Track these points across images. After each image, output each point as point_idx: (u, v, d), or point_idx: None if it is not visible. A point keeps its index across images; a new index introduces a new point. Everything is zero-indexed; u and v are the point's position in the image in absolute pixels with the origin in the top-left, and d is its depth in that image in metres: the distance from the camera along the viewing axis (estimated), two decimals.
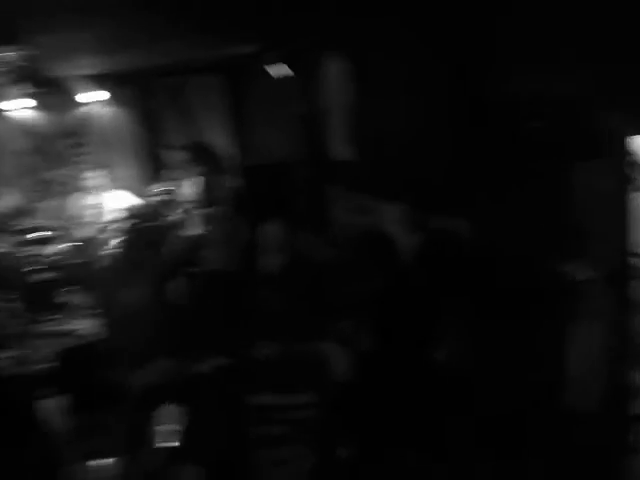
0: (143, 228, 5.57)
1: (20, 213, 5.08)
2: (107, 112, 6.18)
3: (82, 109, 6.07)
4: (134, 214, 5.02)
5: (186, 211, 5.22)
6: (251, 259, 3.82)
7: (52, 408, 4.00)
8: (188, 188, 5.32)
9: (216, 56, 5.63)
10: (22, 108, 5.57)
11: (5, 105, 5.36)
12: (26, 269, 5.23)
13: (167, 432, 3.47)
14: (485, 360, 2.62)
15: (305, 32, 4.62)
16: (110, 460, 3.27)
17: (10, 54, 4.00)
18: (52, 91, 4.86)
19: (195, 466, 1.74)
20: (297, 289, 2.45)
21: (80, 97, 5.71)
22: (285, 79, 5.10)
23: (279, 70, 5.09)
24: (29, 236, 5.41)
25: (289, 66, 5.03)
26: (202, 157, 5.79)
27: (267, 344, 1.96)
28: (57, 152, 6.11)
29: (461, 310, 2.84)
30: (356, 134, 4.49)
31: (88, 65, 5.26)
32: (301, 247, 3.28)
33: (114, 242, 4.68)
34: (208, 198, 5.20)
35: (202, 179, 5.33)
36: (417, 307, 2.75)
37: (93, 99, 5.82)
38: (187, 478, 1.74)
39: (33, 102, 5.49)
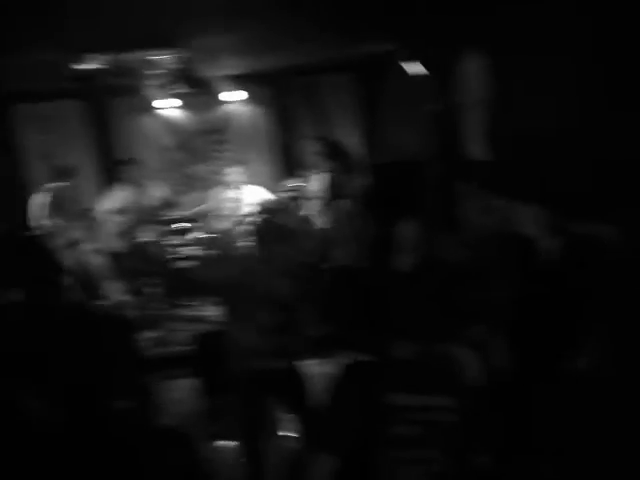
0: (275, 223, 5.76)
1: (167, 205, 5.45)
2: (246, 111, 6.48)
3: (224, 108, 6.43)
4: (267, 209, 5.19)
5: (317, 207, 5.31)
6: (381, 257, 3.80)
7: (187, 389, 4.26)
8: (319, 185, 5.41)
9: (350, 55, 5.68)
10: (170, 107, 5.99)
11: (157, 104, 5.78)
12: (169, 257, 5.63)
13: (289, 421, 3.56)
14: (629, 368, 2.43)
15: (442, 29, 4.52)
16: (233, 442, 3.40)
17: (167, 57, 4.33)
18: (199, 91, 5.16)
19: (330, 456, 1.75)
20: (430, 289, 2.39)
21: (222, 96, 6.01)
22: (419, 76, 5.01)
23: (414, 68, 5.02)
24: (173, 226, 5.82)
25: (424, 64, 4.94)
26: (334, 154, 5.86)
27: (402, 344, 1.92)
28: (200, 148, 6.54)
29: (605, 317, 2.65)
30: (493, 132, 4.32)
31: (231, 66, 5.55)
32: (434, 247, 3.21)
33: (248, 235, 4.87)
34: (338, 195, 5.25)
35: (333, 176, 5.39)
36: (557, 313, 2.60)
37: (233, 98, 6.10)
38: (321, 467, 1.76)
39: (180, 101, 5.89)
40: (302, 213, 5.50)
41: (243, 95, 6.18)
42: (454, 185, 4.25)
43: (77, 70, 4.24)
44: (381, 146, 6.08)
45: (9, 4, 3.07)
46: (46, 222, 5.33)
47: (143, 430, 1.83)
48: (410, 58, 5.03)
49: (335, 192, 5.27)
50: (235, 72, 5.84)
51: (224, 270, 3.39)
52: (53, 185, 5.38)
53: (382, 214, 4.11)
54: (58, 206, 5.35)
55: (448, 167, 4.71)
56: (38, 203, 5.35)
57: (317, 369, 4.16)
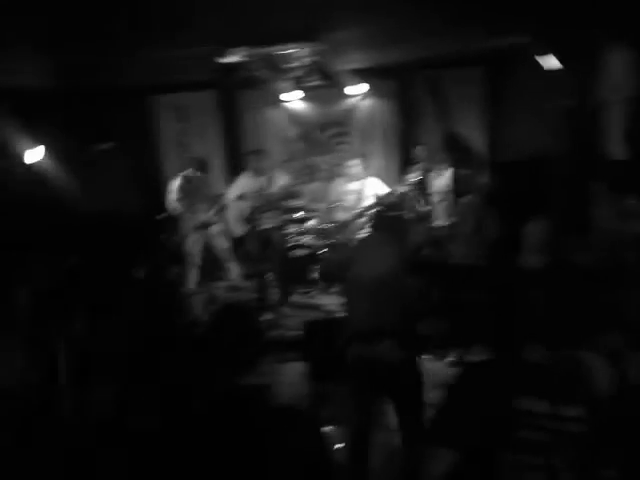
0: (392, 216, 5.73)
1: (289, 194, 5.62)
2: (370, 104, 6.51)
3: (348, 101, 6.49)
4: (385, 202, 5.20)
5: (436, 202, 5.24)
6: (505, 255, 3.69)
7: (296, 373, 4.38)
8: (442, 180, 5.34)
9: (478, 48, 5.52)
10: (296, 99, 6.14)
11: (284, 96, 5.96)
12: (287, 245, 5.81)
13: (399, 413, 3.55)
14: None
15: (583, 20, 4.27)
16: (337, 428, 3.43)
17: (302, 51, 4.46)
18: (327, 84, 5.24)
19: (450, 450, 1.75)
20: (558, 292, 2.30)
21: (348, 90, 6.09)
22: (554, 71, 4.76)
23: (548, 61, 4.78)
24: (293, 215, 6.00)
25: (560, 57, 4.68)
26: (456, 149, 5.75)
27: (531, 346, 1.87)
28: (323, 141, 6.67)
29: None
30: (635, 131, 4.02)
31: (358, 59, 5.59)
32: (565, 248, 3.06)
33: (366, 227, 4.93)
34: (459, 191, 5.15)
35: (456, 171, 5.29)
36: None
37: (358, 91, 6.15)
38: (440, 462, 1.76)
39: (307, 94, 6.03)
40: (421, 207, 5.47)
41: (368, 88, 6.20)
42: (588, 185, 4.01)
43: (220, 63, 4.48)
44: (509, 143, 5.86)
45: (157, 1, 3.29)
46: (179, 206, 5.73)
47: (268, 409, 1.88)
48: (544, 51, 4.79)
49: (458, 188, 5.16)
50: (361, 65, 5.87)
51: (342, 259, 3.37)
52: (186, 173, 5.75)
53: (507, 212, 3.97)
54: (189, 192, 5.72)
55: (582, 166, 4.46)
56: (174, 189, 5.76)
57: (434, 365, 4.12)
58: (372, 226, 3.49)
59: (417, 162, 5.85)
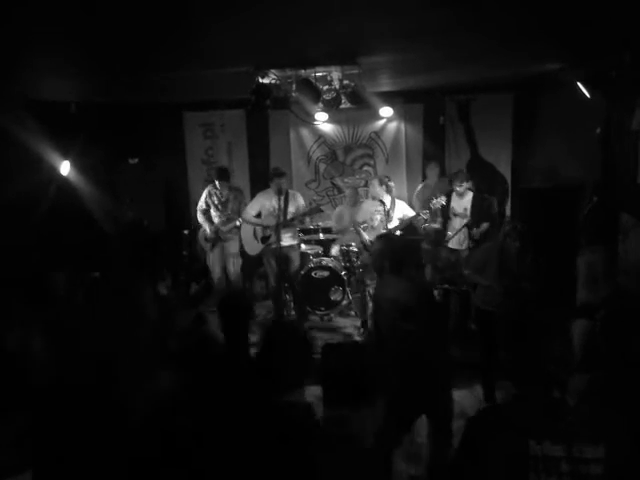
0: (412, 240, 5.61)
1: (308, 214, 5.51)
2: (395, 126, 6.51)
3: (374, 123, 6.51)
4: (406, 225, 5.14)
5: (459, 227, 5.15)
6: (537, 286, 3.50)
7: (309, 396, 4.25)
8: (460, 203, 5.27)
9: (511, 74, 5.45)
10: (325, 120, 6.14)
11: (313, 117, 5.95)
12: (308, 265, 5.72)
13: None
14: None
15: (616, 48, 4.18)
16: None
17: (336, 73, 4.46)
18: (358, 106, 5.20)
19: None
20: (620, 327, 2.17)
21: (374, 112, 6.06)
22: (587, 98, 4.67)
23: (582, 88, 4.68)
24: (314, 236, 5.92)
25: (594, 84, 4.58)
26: (478, 174, 5.67)
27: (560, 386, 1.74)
28: (349, 161, 6.67)
29: None
30: None
31: (387, 83, 5.57)
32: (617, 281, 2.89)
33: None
34: (480, 216, 5.05)
35: (475, 196, 5.21)
36: None
37: (385, 114, 6.12)
38: None
39: (334, 115, 6.02)
40: (439, 230, 5.42)
41: (396, 111, 6.17)
42: (619, 215, 3.85)
43: (252, 83, 4.50)
44: (535, 170, 5.75)
45: (197, 24, 3.29)
46: (201, 218, 5.73)
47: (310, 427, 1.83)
48: (577, 79, 4.70)
49: (478, 213, 5.07)
50: (391, 89, 5.87)
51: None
52: (211, 187, 5.75)
53: (534, 240, 3.83)
54: (212, 204, 5.71)
55: (613, 195, 4.31)
56: (199, 203, 5.77)
57: (459, 395, 3.95)
58: (394, 248, 3.34)
59: (443, 184, 5.76)
